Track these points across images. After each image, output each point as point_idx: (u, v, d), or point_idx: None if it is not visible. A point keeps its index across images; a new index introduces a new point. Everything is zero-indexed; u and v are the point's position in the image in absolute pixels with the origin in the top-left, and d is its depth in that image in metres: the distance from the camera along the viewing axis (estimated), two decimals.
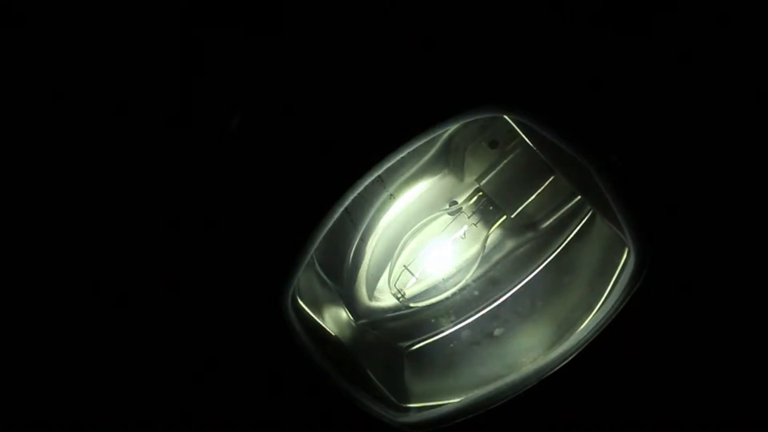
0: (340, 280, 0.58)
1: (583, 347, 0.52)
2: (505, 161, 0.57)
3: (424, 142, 0.43)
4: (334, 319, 0.58)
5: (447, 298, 0.62)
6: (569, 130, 0.43)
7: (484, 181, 0.58)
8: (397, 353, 0.62)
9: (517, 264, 0.62)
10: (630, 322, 0.51)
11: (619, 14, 0.53)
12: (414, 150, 0.43)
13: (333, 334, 0.56)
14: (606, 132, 0.47)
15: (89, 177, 0.59)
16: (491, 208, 0.59)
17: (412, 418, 0.53)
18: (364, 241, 0.58)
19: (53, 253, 0.59)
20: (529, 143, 0.51)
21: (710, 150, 0.57)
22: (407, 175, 0.57)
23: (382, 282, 0.61)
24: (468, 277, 0.61)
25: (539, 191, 0.58)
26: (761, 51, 0.55)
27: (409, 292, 0.61)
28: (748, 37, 0.55)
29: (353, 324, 0.60)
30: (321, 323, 0.55)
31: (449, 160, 0.58)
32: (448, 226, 0.60)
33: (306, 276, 0.56)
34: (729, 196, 0.59)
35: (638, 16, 0.54)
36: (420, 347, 0.63)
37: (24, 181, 0.58)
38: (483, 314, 0.62)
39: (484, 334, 0.61)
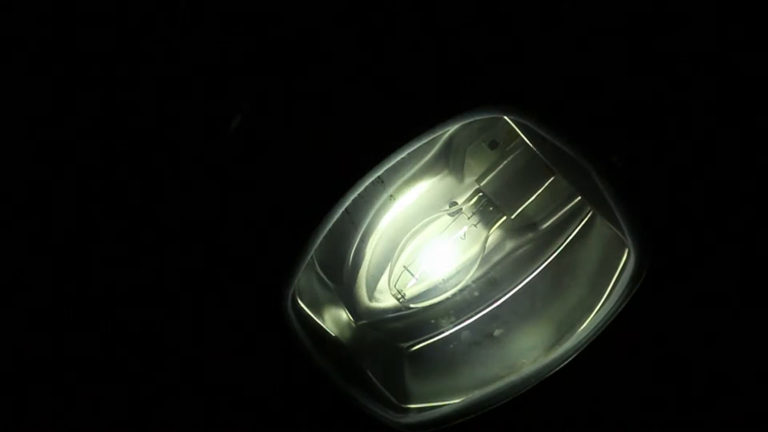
0: (340, 280, 0.58)
1: (583, 348, 0.52)
2: (505, 162, 0.57)
3: (425, 143, 0.43)
4: (334, 319, 0.58)
5: (447, 299, 0.62)
6: (569, 131, 0.43)
7: (484, 182, 0.58)
8: (397, 354, 0.62)
9: (517, 265, 0.62)
10: (630, 322, 0.51)
11: (620, 16, 0.53)
12: (414, 151, 0.43)
13: (333, 334, 0.56)
14: (606, 133, 0.47)
15: (86, 176, 0.59)
16: (491, 208, 0.59)
17: (412, 418, 0.53)
18: (364, 241, 0.58)
19: (52, 255, 0.59)
20: (530, 144, 0.51)
21: (710, 151, 0.57)
22: (407, 175, 0.57)
23: (382, 283, 0.61)
24: (468, 278, 0.61)
25: (539, 192, 0.58)
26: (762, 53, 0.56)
27: (409, 292, 0.61)
28: (750, 40, 0.56)
29: (353, 324, 0.60)
30: (321, 324, 0.55)
31: (449, 160, 0.58)
32: (448, 226, 0.60)
33: (306, 276, 0.56)
34: (729, 197, 0.59)
35: (639, 18, 0.54)
36: (420, 348, 0.63)
37: None
38: (483, 315, 0.62)
39: (484, 334, 0.61)
